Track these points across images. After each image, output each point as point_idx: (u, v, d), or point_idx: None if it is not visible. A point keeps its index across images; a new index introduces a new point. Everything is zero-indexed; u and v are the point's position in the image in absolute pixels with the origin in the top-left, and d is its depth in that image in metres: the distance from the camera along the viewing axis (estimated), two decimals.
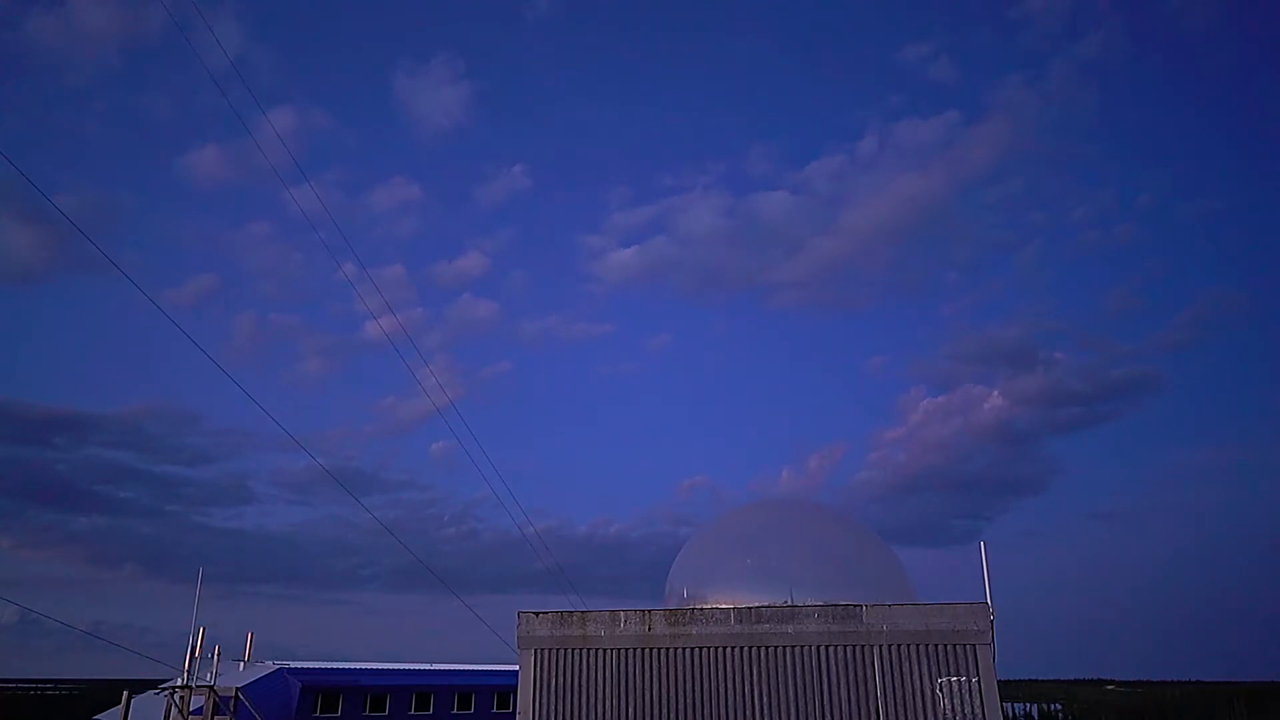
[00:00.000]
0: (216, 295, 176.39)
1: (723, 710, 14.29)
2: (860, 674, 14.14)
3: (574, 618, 15.28)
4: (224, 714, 21.46)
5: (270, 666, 28.02)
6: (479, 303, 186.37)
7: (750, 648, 14.54)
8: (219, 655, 21.39)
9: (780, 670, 14.36)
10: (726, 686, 14.42)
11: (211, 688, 20.51)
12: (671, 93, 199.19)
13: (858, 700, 14.01)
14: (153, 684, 24.43)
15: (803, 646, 14.42)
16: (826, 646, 14.36)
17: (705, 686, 14.48)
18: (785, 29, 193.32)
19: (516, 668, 15.32)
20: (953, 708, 13.74)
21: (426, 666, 33.32)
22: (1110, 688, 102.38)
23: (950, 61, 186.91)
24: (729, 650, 14.59)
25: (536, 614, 15.43)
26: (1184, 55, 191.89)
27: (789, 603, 15.20)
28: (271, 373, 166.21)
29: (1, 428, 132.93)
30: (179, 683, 20.14)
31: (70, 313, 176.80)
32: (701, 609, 15.05)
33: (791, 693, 14.22)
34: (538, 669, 15.03)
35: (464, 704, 32.10)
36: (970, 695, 13.76)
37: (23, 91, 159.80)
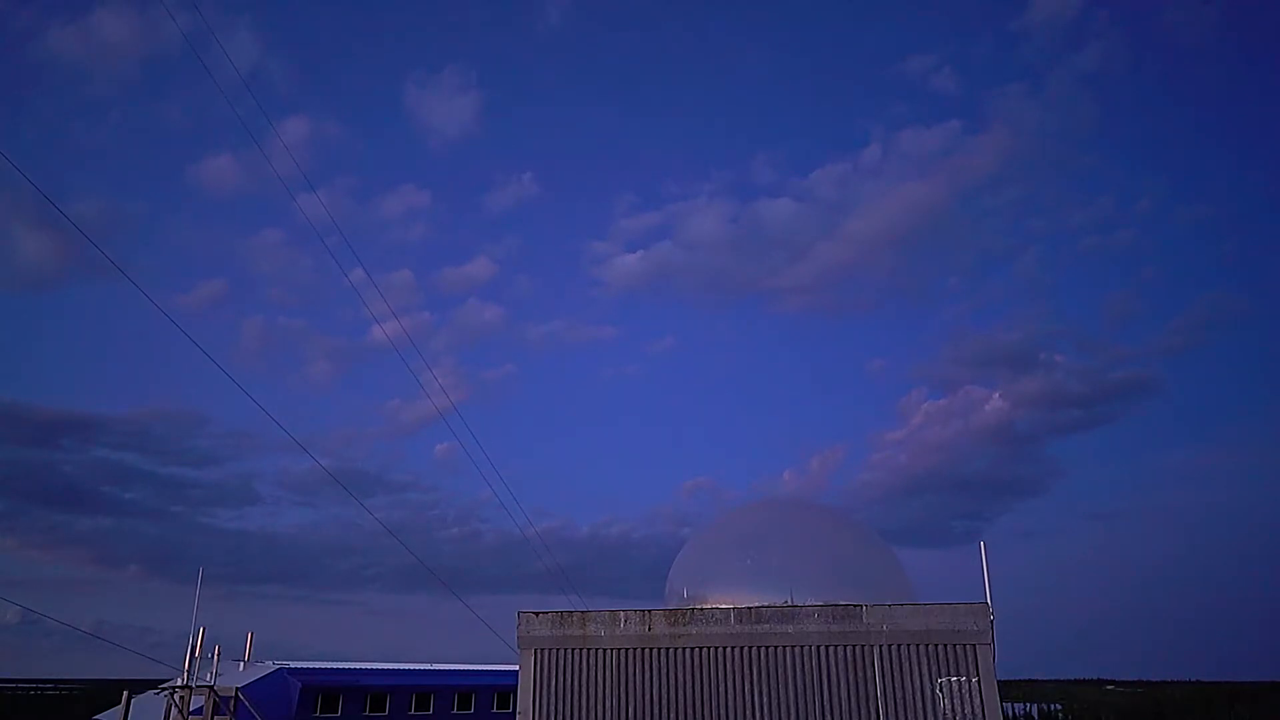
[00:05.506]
0: (226, 300, 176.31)
1: (723, 710, 14.29)
2: (860, 674, 14.13)
3: (574, 618, 15.28)
4: (224, 714, 21.44)
5: (270, 666, 27.98)
6: (485, 307, 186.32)
7: (750, 648, 14.54)
8: (219, 655, 21.37)
9: (780, 670, 14.36)
10: (726, 686, 14.42)
11: (211, 688, 20.48)
12: (678, 102, 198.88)
13: (858, 700, 14.01)
14: (153, 684, 24.38)
15: (803, 646, 14.42)
16: (826, 646, 14.36)
17: (705, 686, 14.48)
18: (790, 40, 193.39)
19: (517, 668, 15.32)
20: (953, 708, 13.73)
21: (426, 666, 33.31)
22: (1110, 688, 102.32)
23: (953, 72, 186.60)
24: (729, 650, 14.58)
25: (536, 614, 15.42)
26: (1182, 65, 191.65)
27: (789, 603, 15.19)
28: (279, 376, 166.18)
29: (9, 429, 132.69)
30: (179, 683, 20.13)
31: (81, 317, 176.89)
32: (701, 609, 15.04)
33: (791, 693, 14.22)
34: (538, 669, 15.02)
35: (464, 704, 32.09)
36: (970, 695, 13.75)
37: (41, 102, 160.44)
